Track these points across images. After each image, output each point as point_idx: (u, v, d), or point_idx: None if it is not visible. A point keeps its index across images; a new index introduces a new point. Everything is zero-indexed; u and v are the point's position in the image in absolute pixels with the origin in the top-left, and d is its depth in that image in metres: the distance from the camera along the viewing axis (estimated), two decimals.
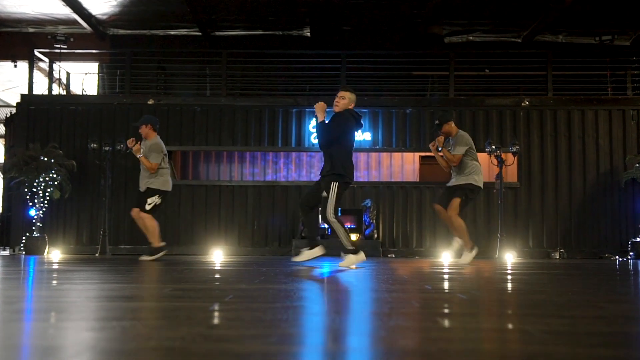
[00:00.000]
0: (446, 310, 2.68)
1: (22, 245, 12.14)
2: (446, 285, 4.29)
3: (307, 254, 7.08)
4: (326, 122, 6.85)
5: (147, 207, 8.94)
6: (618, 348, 1.80)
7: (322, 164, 7.01)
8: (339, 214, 6.91)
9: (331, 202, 6.65)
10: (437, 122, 8.81)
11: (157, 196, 9.04)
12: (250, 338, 1.90)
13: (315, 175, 14.58)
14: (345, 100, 6.90)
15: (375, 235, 12.59)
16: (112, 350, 1.72)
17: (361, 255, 6.82)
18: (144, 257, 8.99)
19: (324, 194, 6.68)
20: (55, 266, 6.82)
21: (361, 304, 3.01)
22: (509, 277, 5.37)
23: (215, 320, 2.31)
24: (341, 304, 2.99)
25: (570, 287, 4.22)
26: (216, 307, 2.74)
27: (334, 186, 6.66)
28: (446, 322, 2.29)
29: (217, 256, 11.07)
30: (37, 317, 2.48)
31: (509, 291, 3.87)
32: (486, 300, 3.31)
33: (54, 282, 4.41)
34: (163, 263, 7.88)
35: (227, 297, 3.18)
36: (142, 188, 9.04)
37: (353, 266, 6.71)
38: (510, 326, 2.24)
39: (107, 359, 1.61)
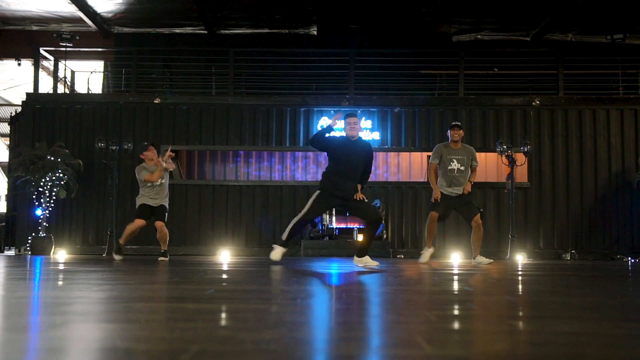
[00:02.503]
0: (457, 312, 2.61)
1: (28, 245, 12.09)
2: (455, 286, 4.21)
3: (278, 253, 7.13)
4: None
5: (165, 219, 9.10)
6: None
7: (344, 174, 7.03)
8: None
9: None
10: (459, 123, 8.71)
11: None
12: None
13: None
14: (358, 125, 7.12)
15: (385, 236, 12.52)
16: (121, 350, 1.66)
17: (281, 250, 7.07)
18: (163, 258, 8.99)
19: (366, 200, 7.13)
20: (62, 267, 6.76)
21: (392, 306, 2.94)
22: (520, 278, 5.29)
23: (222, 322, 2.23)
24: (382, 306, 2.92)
25: (601, 290, 4.15)
26: (224, 308, 2.66)
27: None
28: (457, 324, 2.22)
29: (225, 257, 11.01)
30: (43, 318, 2.43)
31: (520, 293, 3.79)
32: (501, 301, 3.23)
33: (60, 282, 4.36)
34: (173, 263, 7.81)
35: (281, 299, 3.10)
36: (160, 203, 9.06)
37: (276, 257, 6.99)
38: (521, 327, 2.16)
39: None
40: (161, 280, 4.75)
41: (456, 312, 2.73)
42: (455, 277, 5.38)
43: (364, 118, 13.13)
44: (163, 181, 9.01)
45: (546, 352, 1.79)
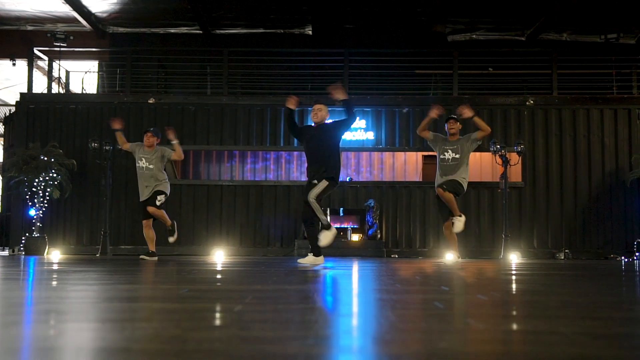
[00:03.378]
0: (470, 312, 2.64)
1: (21, 245, 12.10)
2: (459, 285, 4.25)
3: (311, 260, 7.27)
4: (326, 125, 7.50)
5: (157, 203, 9.28)
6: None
7: (309, 161, 7.39)
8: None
9: (317, 190, 7.16)
10: (455, 116, 8.78)
11: (164, 197, 9.45)
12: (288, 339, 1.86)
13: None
14: (322, 112, 7.50)
15: (379, 236, 12.55)
16: (114, 350, 1.68)
17: (333, 230, 7.17)
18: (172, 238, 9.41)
19: (314, 181, 7.21)
20: (56, 267, 6.77)
21: (380, 304, 2.97)
22: (517, 277, 5.33)
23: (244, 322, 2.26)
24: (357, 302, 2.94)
25: (586, 289, 4.18)
26: (239, 308, 2.69)
27: (325, 183, 7.20)
28: (474, 324, 2.25)
29: (219, 257, 11.03)
30: (37, 318, 2.44)
31: (513, 292, 3.82)
32: (492, 301, 3.26)
33: (54, 282, 4.37)
34: (166, 263, 7.83)
35: (246, 299, 3.13)
36: (150, 192, 9.29)
37: (327, 240, 7.08)
38: (517, 327, 2.19)
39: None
40: (141, 280, 4.76)
41: (423, 310, 2.76)
42: (451, 276, 5.41)
43: (357, 118, 13.14)
44: (150, 166, 9.11)
45: (494, 350, 1.82)
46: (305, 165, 7.74)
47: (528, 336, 2.01)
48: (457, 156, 8.47)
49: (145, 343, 1.83)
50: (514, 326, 2.28)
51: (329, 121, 7.62)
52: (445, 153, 8.51)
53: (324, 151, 7.27)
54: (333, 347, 1.83)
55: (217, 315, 2.50)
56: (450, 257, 8.79)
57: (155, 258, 9.25)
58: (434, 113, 8.57)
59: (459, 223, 8.36)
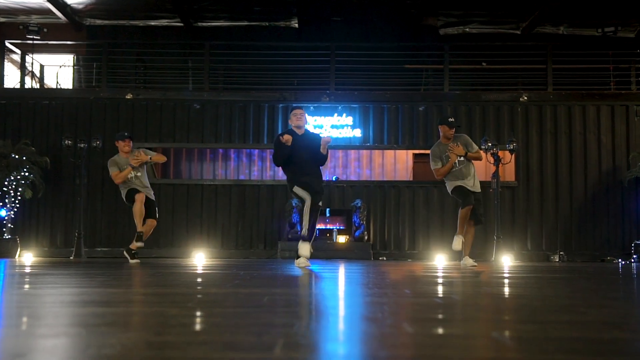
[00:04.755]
0: (434, 317, 2.72)
1: None
2: (439, 289, 4.33)
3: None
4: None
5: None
6: (581, 355, 1.83)
7: (306, 170, 7.38)
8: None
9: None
10: (454, 120, 8.64)
11: None
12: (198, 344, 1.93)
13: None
14: (305, 117, 7.73)
15: (366, 237, 12.63)
16: (83, 357, 1.75)
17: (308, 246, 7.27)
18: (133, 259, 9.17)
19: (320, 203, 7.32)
20: (28, 270, 6.82)
21: (354, 309, 3.05)
22: (505, 281, 5.42)
23: (165, 327, 2.34)
24: (325, 309, 3.02)
25: (559, 292, 4.28)
26: (174, 312, 2.77)
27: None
28: (433, 329, 2.33)
29: (199, 259, 11.09)
30: (7, 323, 2.50)
31: (498, 296, 3.91)
32: (471, 305, 3.35)
33: (26, 286, 4.42)
34: (142, 266, 7.89)
35: (189, 303, 3.21)
36: (151, 196, 9.25)
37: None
38: (478, 331, 2.28)
39: None
40: (102, 284, 4.81)
41: (445, 315, 2.84)
42: (440, 280, 5.49)
43: (344, 114, 13.26)
44: (138, 174, 9.13)
45: (425, 353, 1.90)
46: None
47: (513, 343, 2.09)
48: (462, 158, 8.39)
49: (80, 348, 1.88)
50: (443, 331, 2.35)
51: (313, 131, 7.95)
52: (450, 158, 8.38)
53: (317, 161, 7.48)
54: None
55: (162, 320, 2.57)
56: (464, 260, 8.62)
57: (143, 239, 9.01)
58: (456, 151, 8.33)
59: (470, 260, 8.41)
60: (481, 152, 8.58)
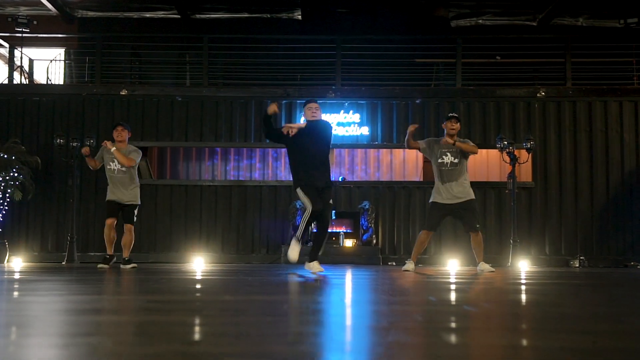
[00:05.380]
0: (453, 325, 2.70)
1: None
2: (452, 296, 4.31)
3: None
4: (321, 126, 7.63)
5: (135, 219, 9.47)
6: None
7: (314, 161, 7.45)
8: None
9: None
10: (457, 115, 8.74)
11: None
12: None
13: None
14: (319, 111, 7.68)
15: (374, 241, 12.61)
16: None
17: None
18: (126, 266, 9.29)
19: (331, 201, 7.49)
20: (17, 276, 6.82)
21: (361, 317, 3.03)
22: (522, 287, 5.40)
23: (196, 336, 2.32)
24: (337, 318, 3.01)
25: (592, 299, 4.26)
26: (196, 321, 2.75)
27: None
28: (453, 338, 2.31)
29: (199, 264, 11.08)
30: None
31: (522, 304, 3.89)
32: (497, 313, 3.33)
33: (15, 293, 4.41)
34: (138, 272, 7.88)
35: (208, 311, 3.19)
36: (129, 199, 9.24)
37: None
38: (524, 342, 2.26)
39: None
40: (105, 290, 4.81)
41: (459, 324, 2.82)
42: (454, 287, 5.48)
43: (351, 111, 13.23)
44: (123, 169, 9.17)
45: None
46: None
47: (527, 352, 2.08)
48: (456, 161, 8.44)
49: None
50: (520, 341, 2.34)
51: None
52: (444, 156, 8.46)
53: (325, 152, 7.52)
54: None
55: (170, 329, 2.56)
56: (480, 266, 8.66)
57: (111, 263, 9.36)
58: (411, 127, 8.58)
59: (487, 266, 8.52)
60: (475, 146, 8.62)
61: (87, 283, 5.51)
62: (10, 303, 3.71)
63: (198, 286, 5.11)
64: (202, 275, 6.94)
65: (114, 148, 9.15)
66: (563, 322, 2.86)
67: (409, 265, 8.55)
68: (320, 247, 7.51)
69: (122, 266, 9.31)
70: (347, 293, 4.58)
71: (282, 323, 2.67)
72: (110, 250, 9.42)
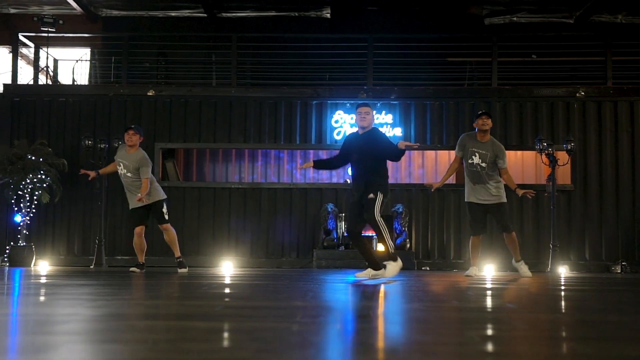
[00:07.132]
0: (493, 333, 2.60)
1: (6, 255, 12.16)
2: (489, 303, 4.20)
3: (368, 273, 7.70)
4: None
5: (167, 217, 9.46)
6: None
7: (355, 173, 7.74)
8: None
9: (377, 205, 7.40)
10: (488, 112, 8.85)
11: (165, 203, 9.52)
12: None
13: (337, 176, 14.54)
14: (370, 116, 7.68)
15: (408, 245, 12.50)
16: None
17: (399, 262, 7.66)
18: (182, 270, 9.46)
19: (371, 195, 7.42)
20: (44, 280, 6.79)
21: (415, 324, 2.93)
22: (575, 294, 5.27)
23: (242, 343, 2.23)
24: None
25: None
26: (275, 325, 2.66)
27: (381, 196, 7.49)
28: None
29: (228, 269, 11.02)
30: (22, 339, 2.43)
31: (584, 311, 3.77)
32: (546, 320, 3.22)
33: (42, 298, 4.37)
34: (165, 276, 7.84)
35: (277, 318, 3.10)
36: (146, 201, 9.17)
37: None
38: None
39: None
40: (161, 295, 4.76)
41: (497, 332, 2.71)
42: (490, 292, 5.37)
43: (383, 112, 13.13)
44: (129, 174, 9.27)
45: None
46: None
47: None
48: (484, 165, 8.52)
49: None
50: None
51: (378, 129, 8.03)
52: (473, 157, 8.55)
53: (375, 160, 7.58)
54: None
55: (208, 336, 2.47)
56: (519, 266, 8.93)
57: (143, 270, 9.37)
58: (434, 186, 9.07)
59: (525, 268, 8.75)
60: (508, 179, 8.81)
61: (119, 287, 5.46)
62: (37, 308, 3.67)
63: (251, 291, 5.03)
64: (242, 280, 6.87)
65: (139, 195, 9.04)
66: (619, 330, 2.74)
67: (472, 270, 8.84)
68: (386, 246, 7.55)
69: (178, 270, 9.47)
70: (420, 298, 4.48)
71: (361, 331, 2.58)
72: (141, 259, 9.46)
